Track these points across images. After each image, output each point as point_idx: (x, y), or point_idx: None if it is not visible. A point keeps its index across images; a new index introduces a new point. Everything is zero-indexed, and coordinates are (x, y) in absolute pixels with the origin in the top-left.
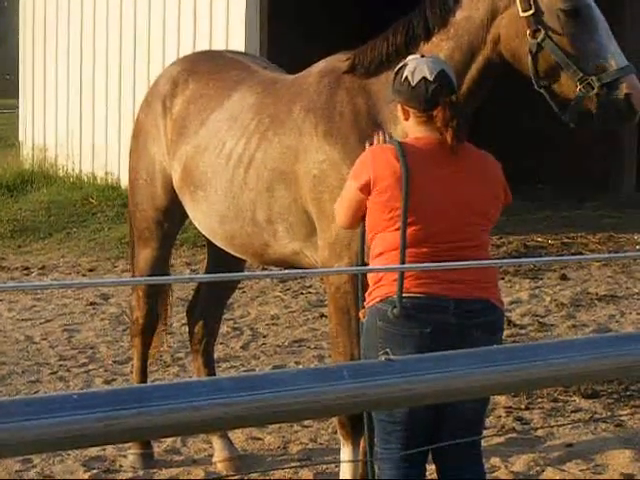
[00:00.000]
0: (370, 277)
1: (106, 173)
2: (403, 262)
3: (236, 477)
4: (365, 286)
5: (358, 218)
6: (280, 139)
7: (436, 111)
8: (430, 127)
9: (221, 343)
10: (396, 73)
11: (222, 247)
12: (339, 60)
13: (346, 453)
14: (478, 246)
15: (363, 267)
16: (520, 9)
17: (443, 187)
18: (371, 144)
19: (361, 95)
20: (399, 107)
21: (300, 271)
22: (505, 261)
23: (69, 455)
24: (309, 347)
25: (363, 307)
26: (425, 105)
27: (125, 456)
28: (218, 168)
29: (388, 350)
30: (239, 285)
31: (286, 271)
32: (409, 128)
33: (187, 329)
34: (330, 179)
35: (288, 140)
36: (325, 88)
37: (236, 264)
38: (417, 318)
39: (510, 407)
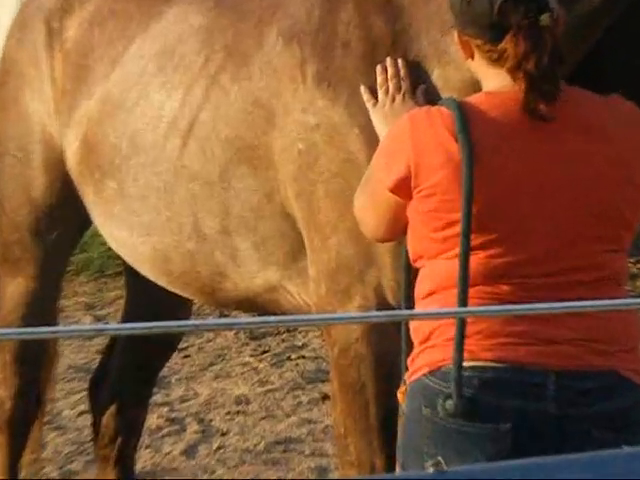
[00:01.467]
0: (413, 332)
1: None
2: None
3: None
4: (408, 347)
5: (398, 230)
6: (243, 88)
7: (505, 41)
8: None
9: (147, 446)
10: None
11: (150, 277)
12: None
13: None
14: (603, 280)
15: (394, 312)
16: None
17: (538, 178)
18: (408, 106)
19: (382, 12)
20: (456, 36)
21: (282, 319)
22: None
23: None
24: (301, 452)
25: (404, 382)
26: (490, 31)
27: None
28: (140, 140)
29: (440, 458)
30: (182, 344)
31: (259, 319)
32: (477, 73)
33: (88, 421)
34: (327, 159)
35: (256, 90)
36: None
37: (176, 307)
38: (489, 406)
39: None
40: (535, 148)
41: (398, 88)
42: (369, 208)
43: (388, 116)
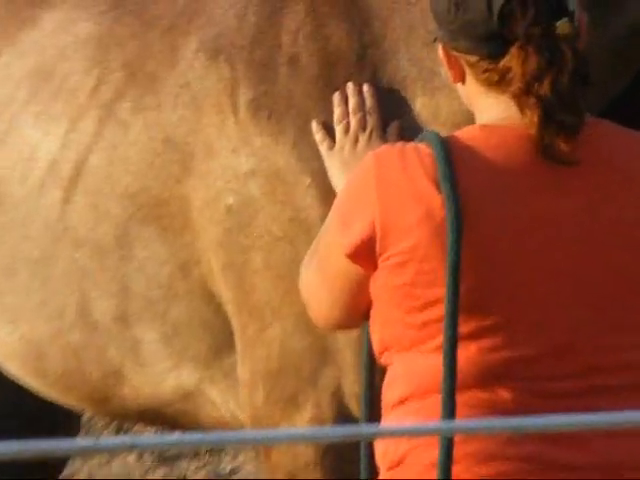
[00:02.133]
0: (380, 455)
1: None
2: (451, 417)
3: None
4: (371, 474)
5: (360, 313)
6: (149, 122)
7: (509, 57)
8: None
9: None
10: None
11: (19, 379)
12: None
13: None
14: (635, 385)
15: (355, 427)
16: None
17: (548, 244)
18: (373, 143)
19: (344, 17)
20: (440, 52)
21: (203, 437)
22: None
23: None
24: None
25: None
26: (488, 44)
27: None
28: (5, 191)
29: None
30: (67, 469)
31: (171, 437)
32: (469, 101)
33: None
34: (267, 218)
35: (168, 124)
36: None
37: (58, 418)
38: None
39: None
40: (545, 203)
41: (362, 125)
42: (320, 283)
43: (348, 163)
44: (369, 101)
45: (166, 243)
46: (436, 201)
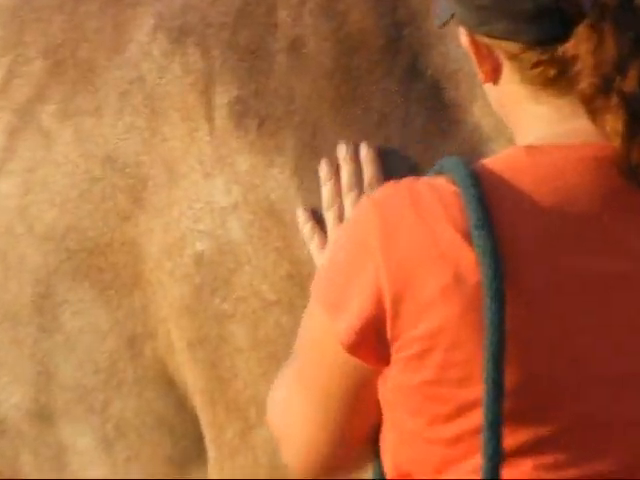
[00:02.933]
0: None
1: None
2: None
3: None
4: None
5: (361, 439)
6: (83, 134)
7: (574, 40)
8: (572, 106)
9: None
10: None
11: None
12: None
13: None
14: None
15: None
16: None
17: (622, 321)
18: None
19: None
20: (465, 40)
21: None
22: None
23: None
24: None
25: None
26: (539, 24)
27: None
28: None
29: None
30: None
31: None
32: (505, 109)
33: None
34: (253, 273)
35: (111, 137)
36: None
37: None
38: None
39: None
40: (618, 263)
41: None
42: (302, 400)
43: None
44: (369, 171)
45: (107, 308)
46: (467, 260)
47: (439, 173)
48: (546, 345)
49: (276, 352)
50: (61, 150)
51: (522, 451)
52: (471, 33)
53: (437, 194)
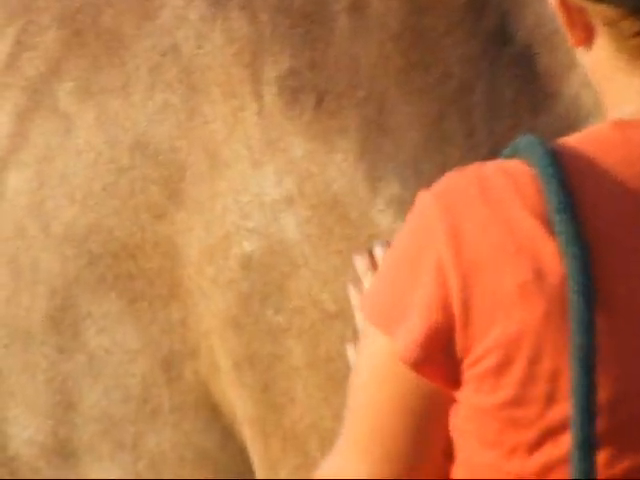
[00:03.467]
0: None
1: None
2: None
3: None
4: None
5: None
6: (106, 111)
7: None
8: None
9: None
10: None
11: None
12: None
13: None
14: None
15: None
16: None
17: None
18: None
19: None
20: (555, 2)
21: None
22: None
23: None
24: None
25: None
26: None
27: None
28: None
29: None
30: None
31: None
32: (598, 79)
33: None
34: (312, 279)
35: (139, 116)
36: None
37: None
38: None
39: None
40: None
41: None
42: (358, 438)
43: None
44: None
45: (138, 323)
46: (549, 251)
47: (512, 155)
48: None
49: (338, 372)
50: (82, 135)
51: (618, 478)
52: None
53: (510, 178)
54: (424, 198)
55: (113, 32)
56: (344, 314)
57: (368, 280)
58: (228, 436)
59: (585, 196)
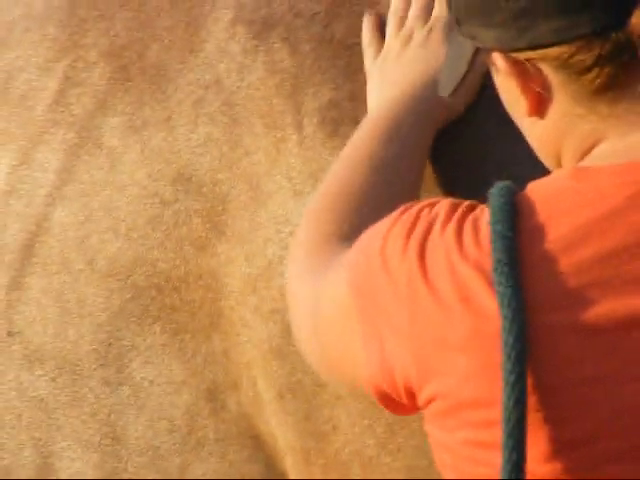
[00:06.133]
0: None
1: None
2: None
3: None
4: None
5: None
6: (150, 145)
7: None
8: None
9: None
10: None
11: None
12: None
13: None
14: None
15: None
16: None
17: None
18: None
19: None
20: (502, 65)
21: None
22: None
23: None
24: None
25: None
26: (592, 17)
27: None
28: None
29: None
30: None
31: None
32: (554, 139)
33: None
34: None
35: (182, 149)
36: None
37: None
38: None
39: None
40: None
41: (422, 20)
42: (311, 333)
43: (386, 74)
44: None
45: (181, 355)
46: (489, 305)
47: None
48: (575, 412)
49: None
50: (126, 170)
51: None
52: (507, 57)
53: (474, 230)
54: (386, 220)
55: (158, 67)
56: None
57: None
58: (271, 466)
59: (533, 249)
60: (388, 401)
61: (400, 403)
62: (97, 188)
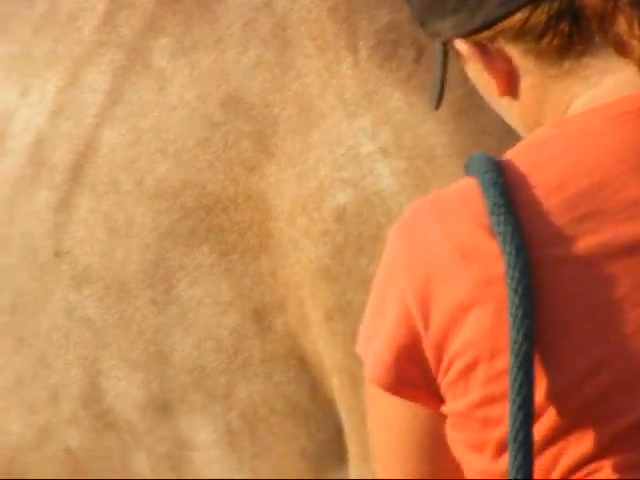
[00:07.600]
0: None
1: None
2: None
3: None
4: None
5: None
6: (199, 67)
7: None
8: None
9: None
10: None
11: None
12: None
13: None
14: None
15: None
16: None
17: None
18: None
19: None
20: (467, 52)
21: None
22: None
23: None
24: None
25: None
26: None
27: None
28: None
29: None
30: None
31: None
32: (538, 106)
33: None
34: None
35: (231, 71)
36: None
37: None
38: None
39: None
40: None
41: None
42: (384, 443)
43: None
44: None
45: (229, 275)
46: (492, 253)
47: (470, 175)
48: (584, 343)
49: None
50: (175, 91)
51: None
52: (471, 41)
53: (460, 195)
54: (391, 232)
55: None
56: None
57: None
58: (317, 387)
59: (524, 194)
60: (409, 389)
61: (421, 391)
62: (146, 109)
